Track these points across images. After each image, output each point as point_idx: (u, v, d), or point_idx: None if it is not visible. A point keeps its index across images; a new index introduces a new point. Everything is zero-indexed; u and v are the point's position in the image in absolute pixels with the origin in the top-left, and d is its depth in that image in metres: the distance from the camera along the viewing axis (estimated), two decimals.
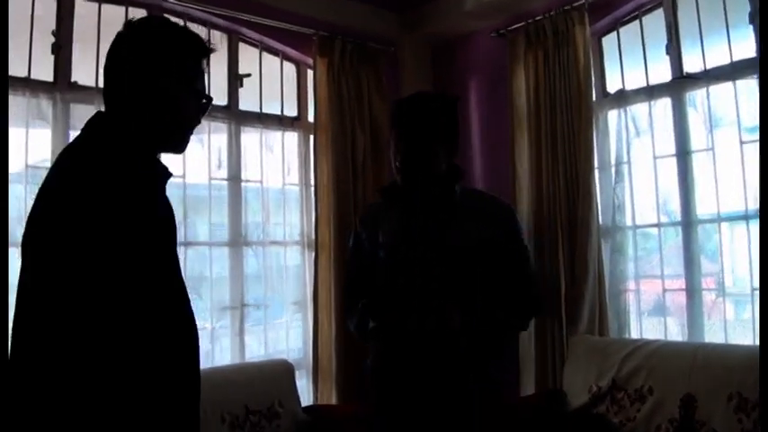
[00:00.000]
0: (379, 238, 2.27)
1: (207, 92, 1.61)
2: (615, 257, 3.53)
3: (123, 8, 3.39)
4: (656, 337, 3.32)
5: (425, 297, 2.13)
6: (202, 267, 3.62)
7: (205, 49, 1.60)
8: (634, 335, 3.49)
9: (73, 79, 3.24)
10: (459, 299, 2.12)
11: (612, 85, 3.66)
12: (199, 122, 1.60)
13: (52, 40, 3.18)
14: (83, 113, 3.19)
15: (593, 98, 3.55)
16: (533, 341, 3.62)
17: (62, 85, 3.20)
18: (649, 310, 3.55)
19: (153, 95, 1.48)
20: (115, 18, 3.33)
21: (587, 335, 3.43)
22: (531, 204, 3.69)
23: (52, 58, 3.20)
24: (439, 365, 2.12)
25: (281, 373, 3.44)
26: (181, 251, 3.37)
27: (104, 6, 3.35)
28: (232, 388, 3.18)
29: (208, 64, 1.63)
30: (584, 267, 3.43)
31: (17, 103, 3.06)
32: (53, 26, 3.20)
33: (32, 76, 3.11)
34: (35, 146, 3.08)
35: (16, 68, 3.07)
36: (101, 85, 3.15)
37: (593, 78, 3.52)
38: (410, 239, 2.20)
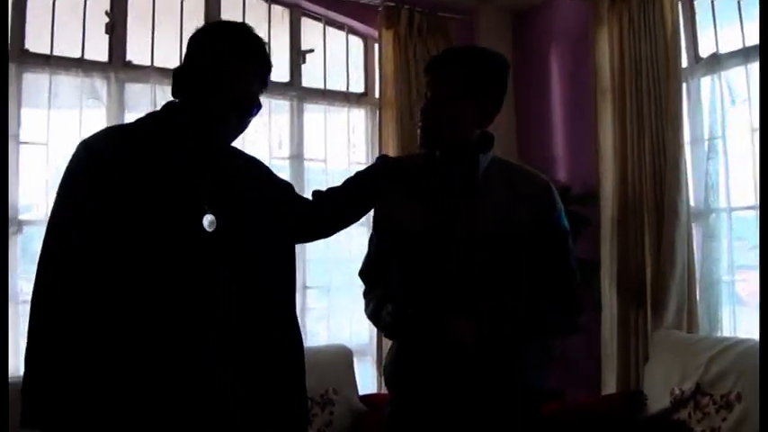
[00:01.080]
0: (396, 222, 1.93)
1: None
2: (707, 244, 3.10)
3: None
4: (750, 335, 2.89)
5: (437, 301, 1.81)
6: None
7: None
8: (726, 332, 3.06)
9: (128, 59, 3.22)
10: (477, 300, 1.78)
11: (705, 49, 3.21)
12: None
13: (106, 20, 3.16)
14: (137, 92, 3.20)
15: (684, 63, 3.13)
16: (615, 335, 3.29)
17: (116, 65, 3.18)
18: (745, 305, 3.11)
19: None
20: None
21: (673, 330, 3.06)
22: (616, 184, 3.32)
23: (107, 38, 3.19)
24: (467, 378, 1.79)
25: (338, 358, 3.31)
26: None
27: None
28: None
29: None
30: (671, 255, 3.06)
31: (71, 84, 3.08)
32: (107, 6, 3.18)
33: (86, 57, 3.11)
34: (89, 126, 3.08)
35: (70, 50, 3.09)
36: (156, 63, 3.20)
37: (682, 41, 3.11)
38: (426, 225, 1.86)
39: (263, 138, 3.54)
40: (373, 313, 1.96)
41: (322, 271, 3.68)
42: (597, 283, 3.33)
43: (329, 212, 1.90)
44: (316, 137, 3.72)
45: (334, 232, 1.98)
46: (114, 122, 3.07)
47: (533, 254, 1.82)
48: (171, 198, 1.53)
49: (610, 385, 3.29)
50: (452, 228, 1.82)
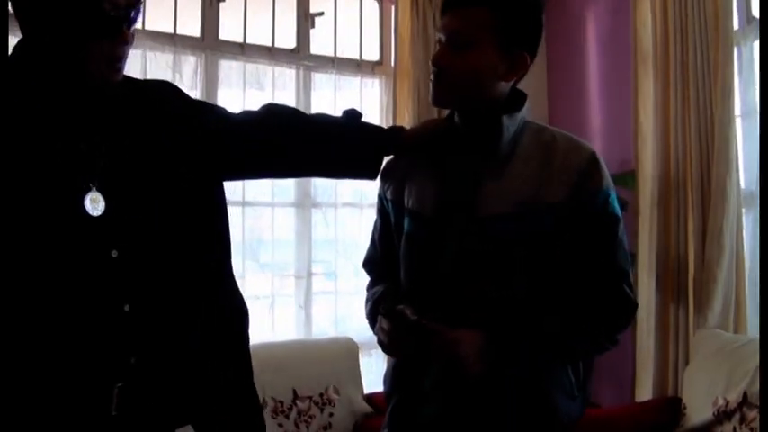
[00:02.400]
0: (405, 202, 1.60)
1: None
2: (759, 232, 2.70)
3: None
4: None
5: (436, 306, 1.47)
6: (262, 230, 3.27)
7: None
8: None
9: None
10: (495, 311, 1.43)
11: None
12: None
13: None
14: (228, 69, 3.14)
15: (735, 25, 2.71)
16: (652, 334, 2.92)
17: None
18: None
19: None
20: None
21: (718, 330, 2.67)
22: (657, 162, 2.93)
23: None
24: (475, 409, 1.45)
25: (341, 352, 3.02)
26: (238, 211, 3.07)
27: None
28: (279, 367, 2.81)
29: None
30: (718, 243, 2.66)
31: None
32: None
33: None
34: None
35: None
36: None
37: None
38: (436, 207, 1.53)
39: None
40: (369, 314, 1.64)
41: (328, 254, 3.39)
42: (633, 275, 2.96)
43: (291, 149, 1.56)
44: (324, 108, 3.41)
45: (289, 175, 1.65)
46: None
47: (570, 246, 1.43)
48: (40, 180, 1.20)
49: (644, 391, 2.93)
50: (463, 210, 1.47)
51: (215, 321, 1.40)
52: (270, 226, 3.27)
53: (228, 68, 3.18)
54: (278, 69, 3.28)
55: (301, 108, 3.16)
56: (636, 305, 1.52)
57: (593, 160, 1.46)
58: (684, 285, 2.82)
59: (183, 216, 1.34)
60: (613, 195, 1.48)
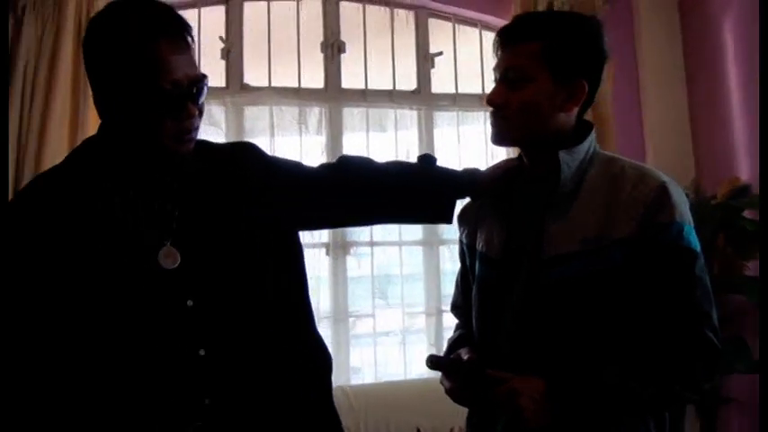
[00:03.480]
0: (476, 245, 1.60)
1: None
2: None
3: (294, 2, 3.28)
4: None
5: (497, 353, 1.44)
6: (391, 268, 3.34)
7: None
8: None
9: (245, 81, 3.21)
10: (561, 358, 1.36)
11: None
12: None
13: (221, 45, 3.18)
14: (256, 115, 3.17)
15: None
16: None
17: (234, 89, 3.18)
18: None
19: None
20: (287, 13, 3.25)
21: None
22: None
23: (223, 63, 3.20)
24: None
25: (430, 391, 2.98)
26: (367, 251, 3.18)
27: (274, 4, 3.27)
28: (404, 405, 2.84)
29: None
30: None
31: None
32: (222, 32, 3.20)
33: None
34: None
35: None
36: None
37: None
38: (508, 246, 1.49)
39: (390, 154, 3.34)
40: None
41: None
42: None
43: (364, 199, 1.60)
44: (448, 147, 3.44)
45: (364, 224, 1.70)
46: None
47: (642, 285, 1.34)
48: (119, 240, 1.32)
49: None
50: (528, 251, 1.43)
51: (294, 366, 1.46)
52: (398, 264, 3.34)
53: (351, 115, 3.32)
54: (399, 111, 3.37)
55: (424, 146, 3.32)
56: (719, 351, 1.35)
57: (662, 191, 1.36)
58: None
59: (257, 265, 1.42)
60: (690, 228, 1.37)
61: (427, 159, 1.69)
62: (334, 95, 3.28)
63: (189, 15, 3.12)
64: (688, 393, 1.39)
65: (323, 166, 1.66)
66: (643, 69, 3.44)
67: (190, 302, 1.34)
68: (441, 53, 3.42)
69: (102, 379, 1.31)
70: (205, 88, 1.35)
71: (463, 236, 1.66)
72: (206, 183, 1.43)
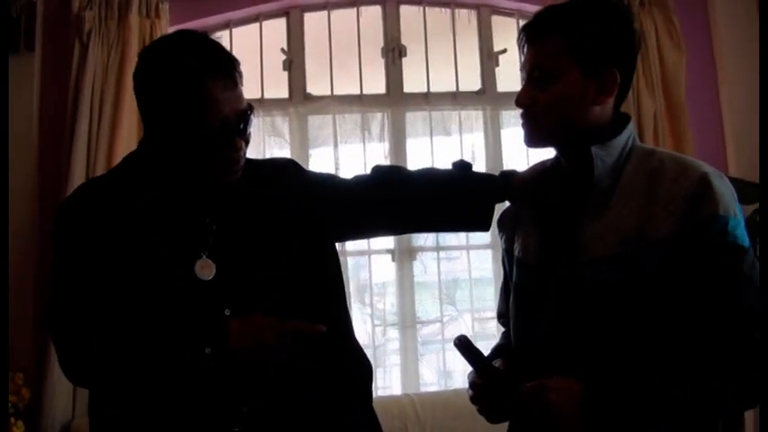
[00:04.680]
0: (514, 249, 1.53)
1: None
2: None
3: (354, 9, 3.27)
4: None
5: (531, 362, 1.38)
6: (458, 273, 3.30)
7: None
8: None
9: (307, 91, 3.24)
10: (599, 367, 1.27)
11: None
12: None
13: (283, 57, 3.22)
14: (319, 124, 3.20)
15: None
16: None
17: (297, 99, 3.22)
18: None
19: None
20: (346, 20, 3.25)
21: None
22: None
23: (285, 75, 3.24)
24: None
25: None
26: (433, 255, 3.16)
27: (334, 13, 3.28)
28: (471, 413, 2.76)
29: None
30: None
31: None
32: (283, 44, 3.23)
33: (266, 96, 3.20)
34: None
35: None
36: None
37: None
38: (544, 251, 1.42)
39: (455, 153, 3.28)
40: None
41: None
42: None
43: (398, 208, 1.60)
44: (516, 147, 3.35)
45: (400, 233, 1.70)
46: (298, 157, 3.12)
47: (685, 286, 1.24)
48: (159, 249, 1.37)
49: None
50: (565, 255, 1.36)
51: (332, 375, 1.48)
52: (466, 268, 3.29)
53: (414, 119, 3.28)
54: (464, 113, 3.31)
55: (490, 147, 3.27)
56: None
57: (703, 182, 1.25)
58: None
59: (293, 277, 1.45)
60: (736, 222, 1.25)
61: (461, 165, 1.66)
62: (396, 100, 3.26)
63: (250, 29, 3.22)
64: (743, 401, 1.27)
65: (356, 178, 1.68)
66: (720, 56, 3.24)
67: (227, 311, 1.38)
68: (505, 50, 3.33)
69: (140, 382, 1.34)
70: (252, 118, 1.41)
71: (502, 242, 1.59)
72: (244, 198, 1.47)
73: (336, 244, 1.64)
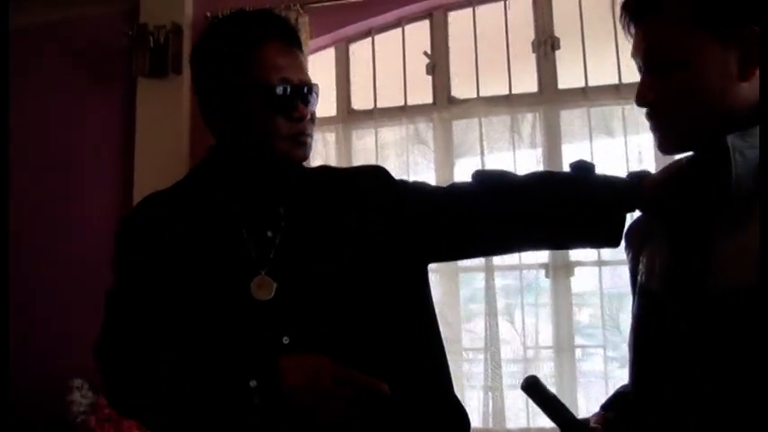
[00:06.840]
0: (639, 271, 1.22)
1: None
2: None
3: (501, 2, 3.03)
4: None
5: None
6: (622, 288, 2.91)
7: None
8: None
9: (452, 94, 3.06)
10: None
11: None
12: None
13: (426, 61, 3.06)
14: (464, 129, 3.01)
15: None
16: None
17: (441, 104, 3.05)
18: None
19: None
20: (493, 15, 3.04)
21: None
22: None
23: (429, 79, 3.08)
24: None
25: None
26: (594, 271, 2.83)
27: (479, 8, 3.06)
28: None
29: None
30: None
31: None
32: (427, 47, 3.08)
33: (409, 103, 3.07)
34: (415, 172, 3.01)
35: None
36: (482, 93, 2.94)
37: None
38: (668, 276, 1.12)
39: (620, 161, 2.89)
40: None
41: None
42: None
43: (504, 224, 1.35)
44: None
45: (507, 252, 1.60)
46: (443, 163, 2.95)
47: None
48: (215, 265, 1.25)
49: None
50: (691, 283, 1.06)
51: (418, 418, 1.27)
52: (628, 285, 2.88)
53: (570, 118, 2.95)
54: (628, 108, 2.91)
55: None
56: None
57: None
58: None
59: (369, 305, 1.26)
60: None
61: (582, 167, 1.35)
62: (549, 98, 2.96)
63: (393, 35, 3.12)
64: None
65: (454, 186, 1.45)
66: None
67: (286, 340, 1.20)
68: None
69: (191, 408, 1.21)
70: (317, 96, 1.29)
71: (628, 260, 1.28)
72: (317, 208, 1.32)
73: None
